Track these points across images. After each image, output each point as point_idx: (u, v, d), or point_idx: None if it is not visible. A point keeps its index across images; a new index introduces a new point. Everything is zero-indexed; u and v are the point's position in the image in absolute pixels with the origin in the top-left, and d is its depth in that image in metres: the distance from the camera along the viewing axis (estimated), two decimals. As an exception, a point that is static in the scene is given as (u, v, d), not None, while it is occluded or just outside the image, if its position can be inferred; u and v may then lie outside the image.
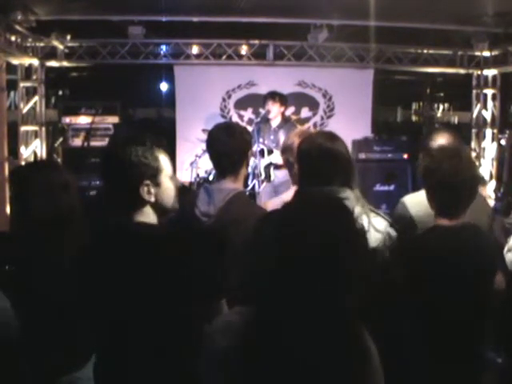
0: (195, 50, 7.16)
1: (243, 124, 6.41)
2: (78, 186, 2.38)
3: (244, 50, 7.18)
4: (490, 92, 7.32)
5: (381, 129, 8.62)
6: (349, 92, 7.35)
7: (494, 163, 7.33)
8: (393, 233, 1.97)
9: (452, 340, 2.04)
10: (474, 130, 7.56)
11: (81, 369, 2.11)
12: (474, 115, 7.53)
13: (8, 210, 5.63)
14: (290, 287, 1.20)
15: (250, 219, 2.06)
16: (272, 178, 5.77)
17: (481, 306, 2.10)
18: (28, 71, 6.67)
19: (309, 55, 7.03)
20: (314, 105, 7.49)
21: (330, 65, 7.14)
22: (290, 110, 7.14)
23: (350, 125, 7.23)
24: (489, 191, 5.46)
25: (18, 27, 5.71)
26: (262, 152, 5.74)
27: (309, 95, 7.46)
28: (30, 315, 2.11)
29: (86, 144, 6.11)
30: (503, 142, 7.40)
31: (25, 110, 6.68)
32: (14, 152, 6.52)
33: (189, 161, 6.55)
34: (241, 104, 7.39)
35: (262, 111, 6.02)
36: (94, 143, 6.50)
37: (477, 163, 6.73)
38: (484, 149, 7.41)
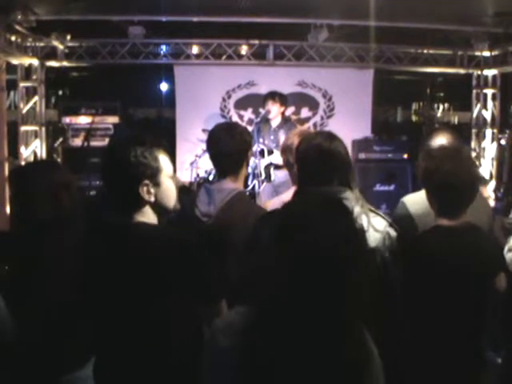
0: (195, 49, 7.16)
1: (243, 124, 6.41)
2: (78, 186, 2.38)
3: (244, 50, 7.18)
4: (490, 92, 7.32)
5: (381, 129, 8.62)
6: (349, 92, 7.35)
7: (494, 163, 7.34)
8: (392, 233, 1.97)
9: (452, 340, 2.04)
10: (474, 130, 7.56)
11: (81, 368, 2.11)
12: (474, 115, 7.53)
13: (8, 209, 5.63)
14: (290, 287, 1.19)
15: (250, 219, 2.07)
16: (272, 178, 5.77)
17: (481, 305, 2.10)
18: (28, 71, 6.66)
19: (309, 55, 7.02)
20: (314, 105, 7.49)
21: (330, 65, 7.13)
22: (289, 110, 7.14)
23: (350, 125, 7.24)
24: (489, 191, 5.45)
25: (18, 27, 5.71)
26: (262, 152, 5.74)
27: (309, 95, 7.46)
28: (29, 315, 2.11)
29: (85, 144, 6.09)
30: (503, 141, 7.41)
31: (25, 110, 6.68)
32: (14, 152, 6.52)
33: (189, 161, 6.55)
34: (241, 104, 7.39)
35: (262, 111, 6.01)
36: (94, 143, 6.48)
37: (477, 163, 6.73)
38: (484, 149, 7.42)
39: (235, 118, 7.34)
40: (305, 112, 7.50)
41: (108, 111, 7.03)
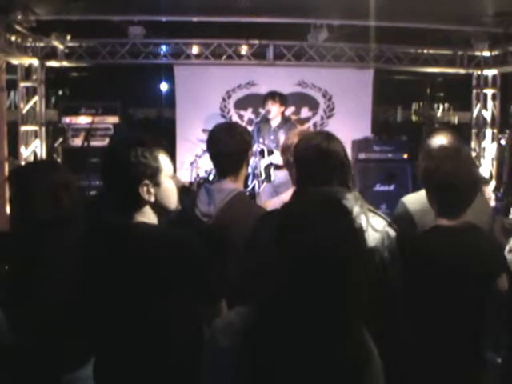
0: (195, 49, 7.17)
1: (243, 124, 6.41)
2: (78, 186, 2.38)
3: (244, 50, 7.18)
4: (490, 92, 7.32)
5: (381, 129, 8.62)
6: (349, 92, 7.35)
7: (494, 163, 7.34)
8: (391, 232, 1.96)
9: (452, 340, 2.04)
10: (474, 130, 7.56)
11: (81, 368, 2.11)
12: (474, 115, 7.53)
13: (8, 209, 5.63)
14: (290, 287, 1.20)
15: (250, 219, 2.07)
16: (272, 178, 5.77)
17: (481, 306, 2.10)
18: (28, 71, 6.67)
19: (309, 55, 7.03)
20: (314, 105, 7.50)
21: (330, 65, 7.13)
22: (289, 110, 7.14)
23: (350, 125, 7.24)
24: (489, 191, 5.46)
25: (18, 27, 5.71)
26: (262, 152, 5.74)
27: (309, 95, 7.46)
28: (29, 315, 2.11)
29: (85, 144, 6.09)
30: (503, 141, 7.41)
31: (25, 110, 6.69)
32: (14, 152, 6.52)
33: (189, 161, 6.55)
34: (241, 104, 7.40)
35: (262, 111, 6.01)
36: (94, 143, 6.48)
37: (477, 163, 6.73)
38: (484, 149, 7.42)
39: (235, 118, 7.34)
40: (305, 112, 7.50)
41: (108, 111, 7.02)
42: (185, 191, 3.18)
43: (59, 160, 7.05)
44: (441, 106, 12.21)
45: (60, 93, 10.09)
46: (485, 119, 7.40)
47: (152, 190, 1.78)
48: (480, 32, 6.67)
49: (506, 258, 2.40)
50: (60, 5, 5.58)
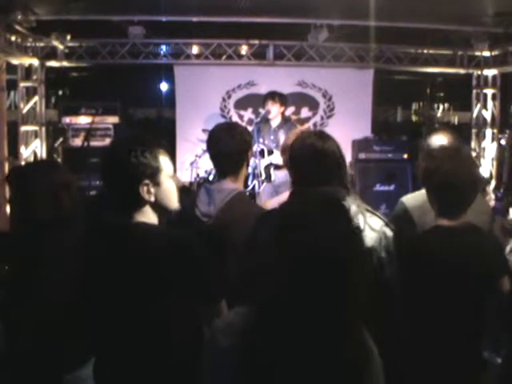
0: (195, 49, 7.16)
1: (243, 124, 6.41)
2: (78, 186, 2.38)
3: (244, 50, 7.18)
4: (489, 92, 7.32)
5: (381, 129, 8.62)
6: (349, 92, 7.35)
7: (494, 163, 7.34)
8: (389, 232, 1.96)
9: (452, 340, 2.04)
10: (474, 130, 7.56)
11: (81, 368, 2.11)
12: (474, 115, 7.53)
13: (8, 209, 5.63)
14: (290, 287, 1.19)
15: (250, 219, 2.07)
16: (272, 178, 5.77)
17: (481, 306, 2.10)
18: (28, 71, 6.67)
19: (309, 55, 7.03)
20: (314, 105, 7.49)
21: (330, 65, 7.13)
22: (289, 110, 7.14)
23: (350, 125, 7.24)
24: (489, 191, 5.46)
25: (18, 27, 5.71)
26: (262, 152, 5.74)
27: (309, 95, 7.46)
28: (29, 315, 2.11)
29: (85, 144, 6.08)
30: (503, 141, 7.41)
31: (25, 110, 6.69)
32: (14, 152, 6.52)
33: (189, 161, 6.55)
34: (241, 104, 7.40)
35: (262, 111, 6.01)
36: (94, 143, 6.47)
37: (477, 163, 6.73)
38: (484, 149, 7.42)
39: (235, 118, 7.34)
40: (305, 112, 7.50)
41: (108, 111, 7.02)
42: (185, 191, 3.18)
43: (59, 160, 7.05)
44: (441, 106, 12.21)
45: (60, 93, 10.09)
46: (485, 119, 7.40)
47: (152, 190, 1.78)
48: (480, 32, 6.67)
49: (508, 260, 2.39)
50: (60, 5, 5.58)
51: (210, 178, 5.96)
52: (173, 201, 1.87)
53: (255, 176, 5.60)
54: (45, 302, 2.07)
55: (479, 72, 7.30)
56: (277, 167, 5.69)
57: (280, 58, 7.07)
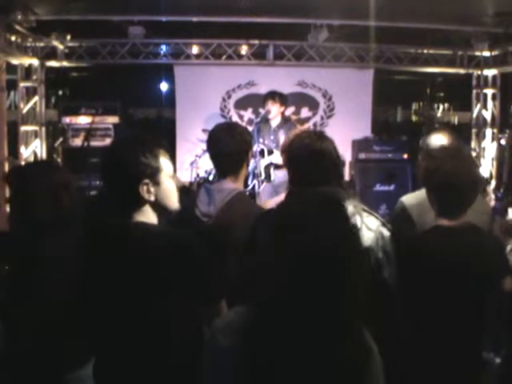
0: (195, 49, 7.16)
1: (243, 124, 6.41)
2: (78, 186, 2.38)
3: (244, 50, 7.18)
4: (489, 92, 7.32)
5: (381, 129, 8.62)
6: (349, 92, 7.35)
7: (494, 163, 7.34)
8: (385, 232, 1.97)
9: (452, 340, 2.04)
10: (474, 130, 7.56)
11: (81, 368, 2.11)
12: (474, 115, 7.53)
13: (8, 209, 5.63)
14: (289, 287, 1.19)
15: (250, 219, 2.07)
16: (272, 178, 5.77)
17: (481, 306, 2.09)
18: (28, 71, 6.67)
19: (309, 55, 7.03)
20: (314, 105, 7.50)
21: (330, 65, 7.13)
22: (289, 110, 7.14)
23: (350, 125, 7.25)
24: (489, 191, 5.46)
25: (18, 27, 5.71)
26: (261, 152, 5.74)
27: (309, 95, 7.46)
28: (29, 315, 2.11)
29: (85, 144, 6.08)
30: (503, 141, 7.41)
31: (25, 110, 6.69)
32: (14, 152, 6.52)
33: (189, 161, 6.55)
34: (241, 104, 7.40)
35: (262, 111, 6.01)
36: (94, 143, 6.47)
37: (477, 163, 6.73)
38: (484, 149, 7.42)
39: (235, 118, 7.34)
40: (305, 112, 7.50)
41: (108, 111, 7.02)
42: (185, 191, 3.18)
43: (59, 160, 7.06)
44: (441, 106, 12.20)
45: (60, 93, 10.08)
46: (485, 119, 7.40)
47: (152, 190, 1.78)
48: (480, 32, 6.67)
49: (509, 260, 2.39)
50: (60, 5, 5.58)
51: (210, 178, 5.97)
52: (173, 201, 1.87)
53: (255, 176, 5.60)
54: (45, 302, 2.07)
55: (479, 72, 7.30)
56: (277, 167, 5.69)
57: (280, 58, 7.07)
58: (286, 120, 6.04)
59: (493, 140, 7.36)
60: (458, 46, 7.15)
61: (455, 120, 11.79)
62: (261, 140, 5.79)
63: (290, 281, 1.19)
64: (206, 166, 6.26)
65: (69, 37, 6.40)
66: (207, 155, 2.63)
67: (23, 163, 6.27)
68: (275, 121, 5.92)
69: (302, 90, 7.43)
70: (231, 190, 2.35)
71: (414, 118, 12.82)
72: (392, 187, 6.61)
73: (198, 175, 6.36)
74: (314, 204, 1.27)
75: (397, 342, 1.84)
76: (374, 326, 1.33)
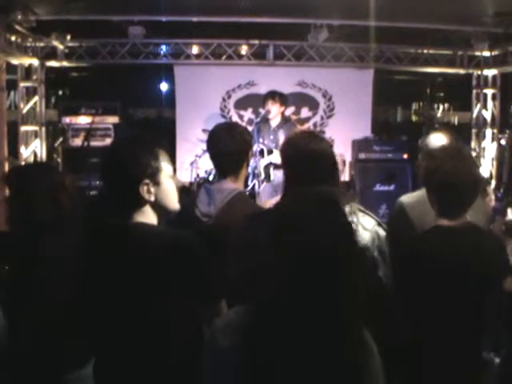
0: (195, 49, 7.17)
1: (243, 124, 6.41)
2: (78, 186, 2.38)
3: (244, 50, 7.18)
4: (489, 92, 7.32)
5: (381, 129, 8.61)
6: (349, 92, 7.35)
7: (494, 163, 7.34)
8: (381, 232, 1.97)
9: (452, 340, 2.04)
10: (474, 130, 7.56)
11: (81, 368, 2.11)
12: (474, 115, 7.53)
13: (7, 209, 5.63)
14: (289, 287, 1.20)
15: (250, 219, 2.07)
16: (272, 177, 5.77)
17: (481, 306, 2.09)
18: (28, 71, 6.67)
19: (309, 55, 7.03)
20: (314, 105, 7.49)
21: (330, 65, 7.14)
22: (289, 110, 7.14)
23: (350, 125, 7.25)
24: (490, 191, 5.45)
25: (18, 27, 5.71)
26: (261, 152, 5.74)
27: (309, 95, 7.46)
28: (29, 315, 2.11)
29: (85, 144, 6.08)
30: (503, 141, 7.41)
31: (25, 110, 6.69)
32: (14, 152, 6.52)
33: (189, 161, 6.55)
34: (241, 104, 7.40)
35: (262, 111, 6.01)
36: (94, 143, 6.47)
37: (477, 163, 6.73)
38: (484, 149, 7.42)
39: (235, 118, 7.34)
40: (305, 112, 7.50)
41: (108, 111, 7.02)
42: (185, 191, 3.18)
43: (59, 160, 7.05)
44: (441, 106, 12.20)
45: (60, 93, 10.08)
46: (485, 119, 7.40)
47: (152, 190, 1.78)
48: (480, 32, 6.67)
49: (509, 260, 2.38)
50: (60, 5, 5.58)
51: (210, 178, 5.97)
52: (173, 201, 1.87)
53: (255, 176, 5.60)
54: (45, 302, 2.07)
55: (479, 72, 7.30)
56: (276, 167, 5.69)
57: (280, 58, 7.07)
58: (285, 120, 6.04)
59: (493, 140, 7.36)
60: (457, 46, 7.16)
61: (455, 120, 11.78)
62: (261, 140, 5.79)
63: (290, 281, 1.19)
64: (206, 166, 6.26)
65: (69, 37, 6.40)
66: (207, 155, 2.63)
67: (23, 163, 6.27)
68: (275, 121, 5.92)
69: (301, 90, 7.43)
70: (231, 190, 2.35)
71: (414, 118, 12.82)
72: (392, 187, 6.61)
73: (198, 175, 6.36)
74: (311, 204, 1.27)
75: (395, 342, 1.84)
76: (373, 326, 1.33)
